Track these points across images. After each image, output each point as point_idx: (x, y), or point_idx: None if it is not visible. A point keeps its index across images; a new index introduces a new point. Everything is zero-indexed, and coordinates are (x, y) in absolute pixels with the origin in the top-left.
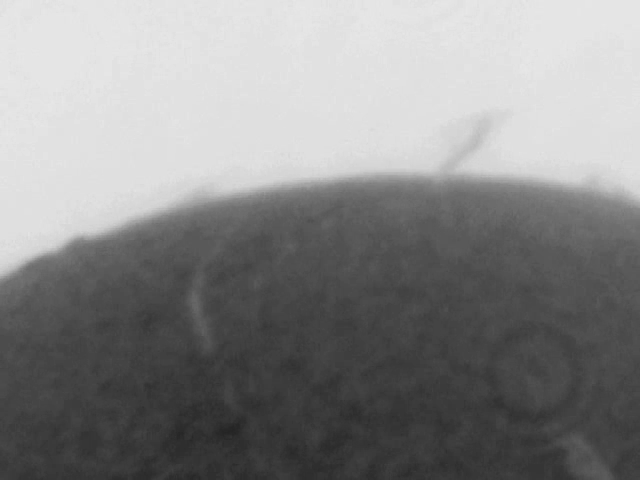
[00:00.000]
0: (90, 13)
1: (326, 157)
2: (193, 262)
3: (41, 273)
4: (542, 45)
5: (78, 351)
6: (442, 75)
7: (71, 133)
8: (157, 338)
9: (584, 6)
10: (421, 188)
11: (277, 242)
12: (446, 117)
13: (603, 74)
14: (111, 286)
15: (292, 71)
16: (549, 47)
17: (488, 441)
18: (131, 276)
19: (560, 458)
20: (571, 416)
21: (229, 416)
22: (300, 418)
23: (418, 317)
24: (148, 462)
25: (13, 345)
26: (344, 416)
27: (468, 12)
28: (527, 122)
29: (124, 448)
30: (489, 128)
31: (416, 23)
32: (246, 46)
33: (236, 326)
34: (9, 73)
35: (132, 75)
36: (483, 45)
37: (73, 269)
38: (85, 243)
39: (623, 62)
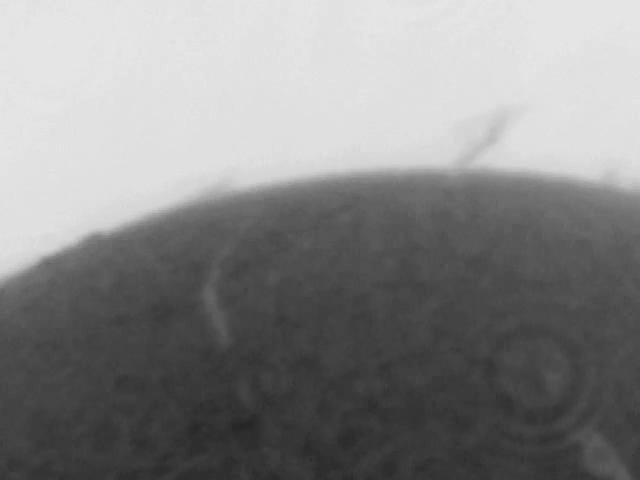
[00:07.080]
0: (91, 12)
1: (340, 152)
2: (208, 257)
3: (57, 269)
4: (551, 40)
5: (93, 346)
6: (454, 70)
7: (84, 130)
8: (172, 332)
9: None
10: (437, 182)
11: (292, 237)
12: (461, 112)
13: (611, 69)
14: (126, 281)
15: (302, 67)
16: (557, 42)
17: (503, 437)
18: (146, 271)
19: (576, 453)
20: (584, 410)
21: (244, 412)
22: (315, 413)
23: (433, 312)
24: (163, 458)
25: (29, 341)
26: (360, 411)
27: (476, 7)
28: (543, 117)
29: (139, 443)
30: (504, 123)
31: (424, 20)
32: (251, 43)
33: (251, 321)
34: (12, 72)
35: (139, 72)
36: (493, 40)
37: (89, 264)
38: (101, 238)
39: (632, 56)
